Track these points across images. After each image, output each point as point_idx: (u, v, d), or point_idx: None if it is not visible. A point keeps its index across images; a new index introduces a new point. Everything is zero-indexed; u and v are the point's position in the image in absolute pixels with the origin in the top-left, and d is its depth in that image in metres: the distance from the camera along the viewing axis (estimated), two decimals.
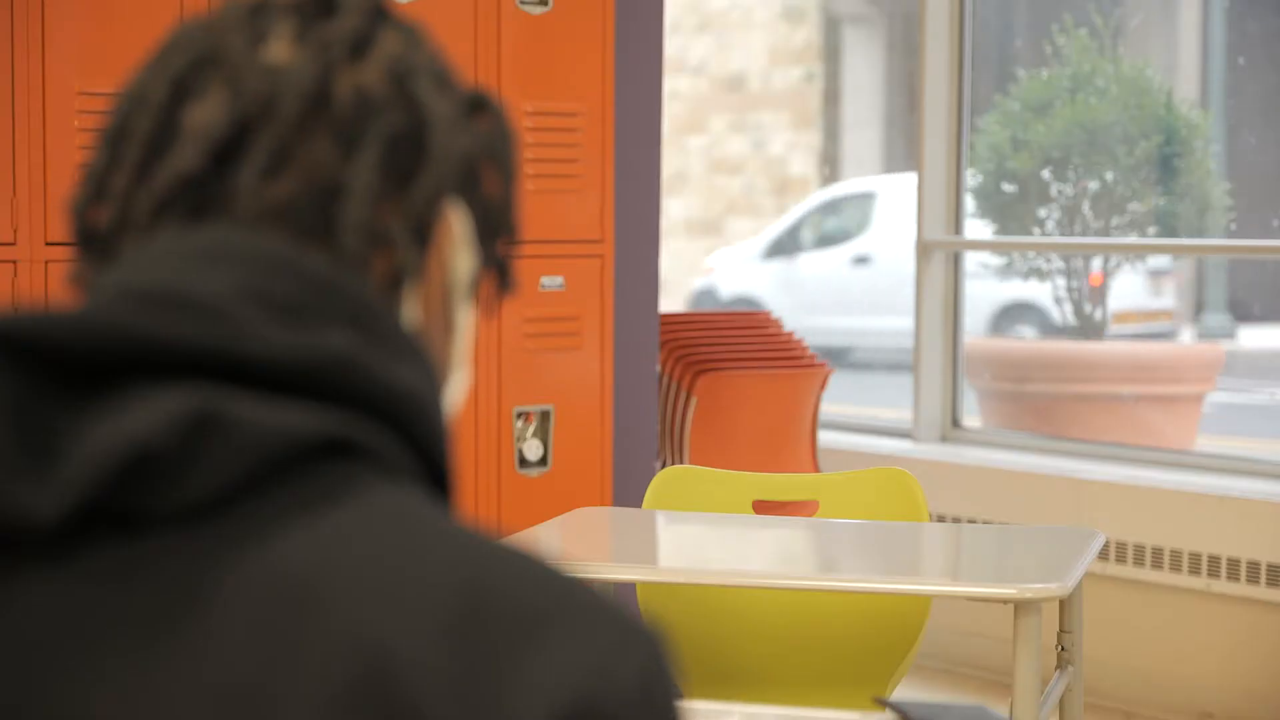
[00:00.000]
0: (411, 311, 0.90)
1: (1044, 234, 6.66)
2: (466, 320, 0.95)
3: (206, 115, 0.87)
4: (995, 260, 7.28)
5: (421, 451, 0.85)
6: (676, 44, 10.14)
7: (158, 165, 0.87)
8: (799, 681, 2.93)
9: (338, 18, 0.90)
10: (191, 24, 0.91)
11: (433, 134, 0.90)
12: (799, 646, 2.96)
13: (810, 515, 2.99)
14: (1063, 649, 2.66)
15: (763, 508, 3.02)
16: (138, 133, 0.88)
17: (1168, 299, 8.30)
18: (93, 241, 0.89)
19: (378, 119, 0.88)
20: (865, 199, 10.18)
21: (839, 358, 9.31)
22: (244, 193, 0.86)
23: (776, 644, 2.97)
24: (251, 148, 0.86)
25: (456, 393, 0.95)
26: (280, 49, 0.88)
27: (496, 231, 0.95)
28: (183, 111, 0.88)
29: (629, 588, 3.15)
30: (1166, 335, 8.12)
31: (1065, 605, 2.65)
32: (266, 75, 0.87)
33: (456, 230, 0.92)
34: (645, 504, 2.95)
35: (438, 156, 0.89)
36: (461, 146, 0.92)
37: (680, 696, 0.79)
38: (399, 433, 0.84)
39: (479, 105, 0.94)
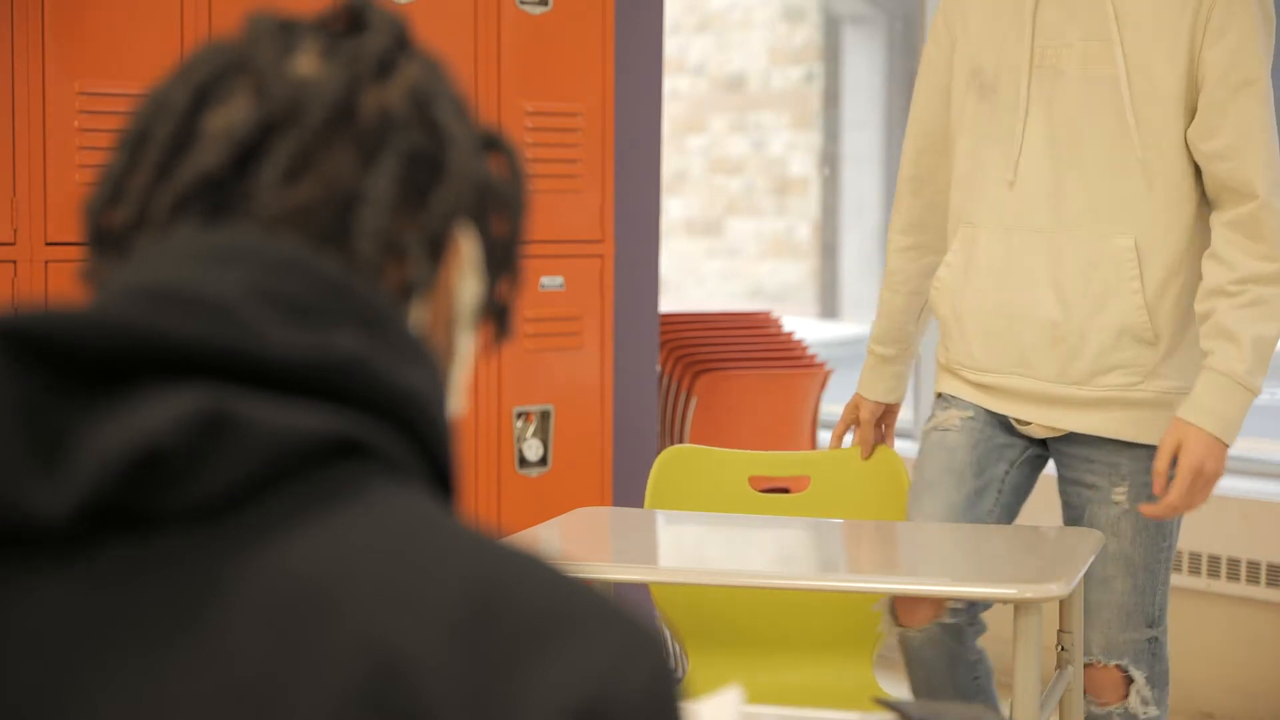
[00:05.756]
0: (419, 322, 0.91)
1: None
2: (467, 349, 0.96)
3: (230, 117, 0.88)
4: None
5: (427, 453, 0.85)
6: (676, 44, 10.13)
7: (179, 164, 0.88)
8: (799, 682, 2.93)
9: (365, 38, 0.92)
10: (218, 41, 0.93)
11: (451, 155, 0.91)
12: (799, 646, 2.96)
13: (803, 490, 3.02)
14: (1063, 649, 2.66)
15: (759, 483, 3.07)
16: (158, 136, 0.89)
17: None
18: (107, 238, 0.89)
19: (399, 135, 0.89)
20: None
21: None
22: (263, 195, 0.87)
23: (776, 643, 2.97)
24: (273, 151, 0.87)
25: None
26: (308, 62, 0.90)
27: (502, 266, 0.96)
28: (205, 117, 0.89)
29: (642, 589, 3.16)
30: None
31: (1065, 605, 2.66)
32: (293, 84, 0.89)
33: (466, 254, 0.93)
34: (649, 487, 2.98)
35: (455, 175, 0.91)
36: (478, 171, 0.93)
37: (686, 700, 0.80)
38: (406, 434, 0.84)
39: (493, 144, 0.96)
